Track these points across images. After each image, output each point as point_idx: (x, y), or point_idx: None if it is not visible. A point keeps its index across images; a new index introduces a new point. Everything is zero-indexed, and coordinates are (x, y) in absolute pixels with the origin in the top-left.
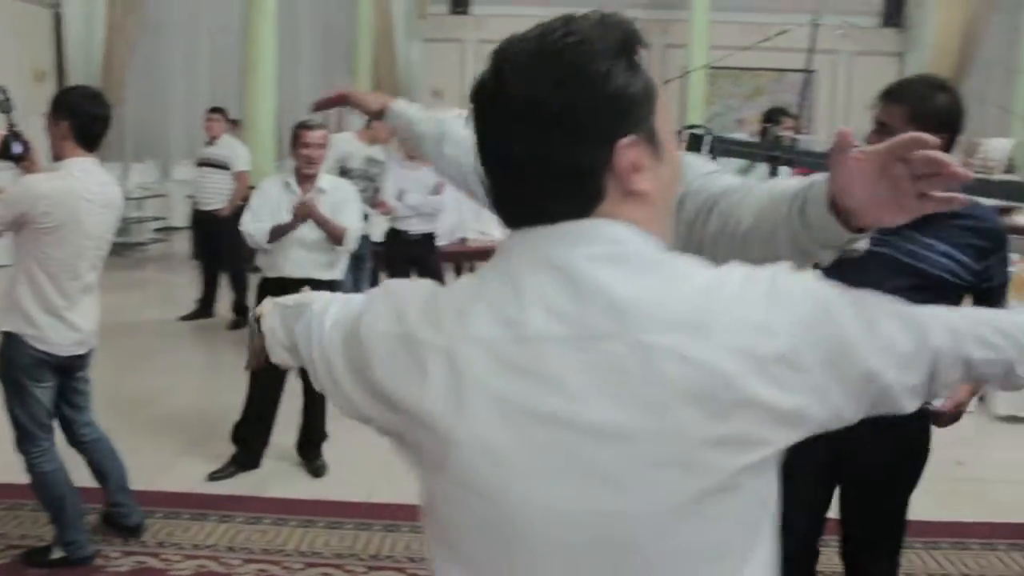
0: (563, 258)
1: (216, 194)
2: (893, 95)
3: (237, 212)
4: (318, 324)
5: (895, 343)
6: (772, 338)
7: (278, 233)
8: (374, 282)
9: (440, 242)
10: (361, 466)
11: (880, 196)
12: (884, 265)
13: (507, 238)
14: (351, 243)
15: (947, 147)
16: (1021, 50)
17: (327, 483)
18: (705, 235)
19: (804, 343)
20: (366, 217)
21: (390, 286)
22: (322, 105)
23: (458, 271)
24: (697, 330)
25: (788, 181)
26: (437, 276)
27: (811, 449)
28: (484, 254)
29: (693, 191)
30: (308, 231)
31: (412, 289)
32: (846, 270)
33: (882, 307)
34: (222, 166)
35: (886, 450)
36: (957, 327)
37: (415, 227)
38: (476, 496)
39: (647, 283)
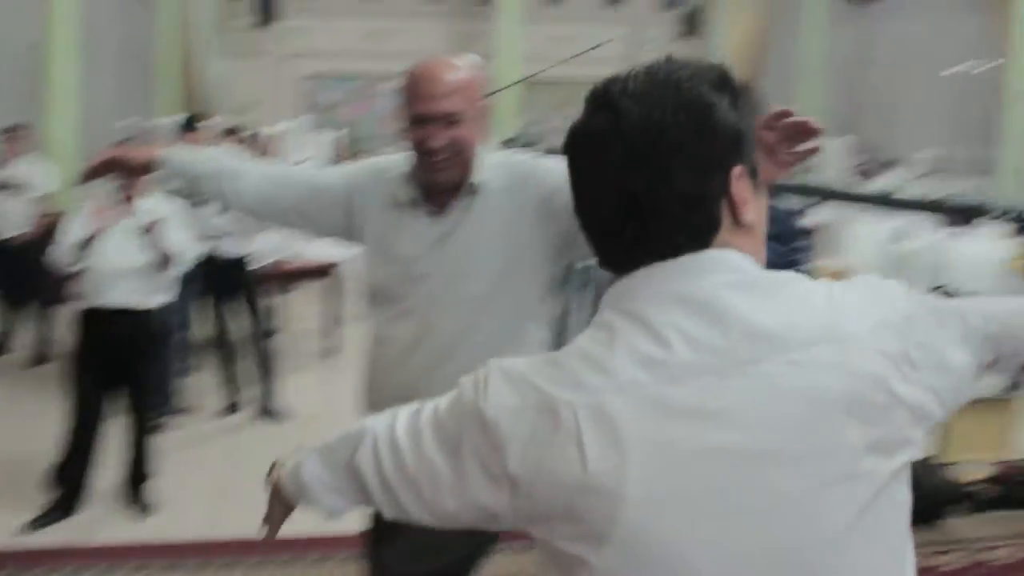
0: (696, 290)
1: (15, 220)
2: None
3: (40, 239)
4: (389, 441)
5: (958, 331)
6: (893, 338)
7: (83, 245)
8: (187, 309)
9: (261, 263)
10: (193, 502)
11: (762, 159)
12: None
13: (622, 282)
14: (181, 266)
15: None
16: (798, 55)
17: (158, 523)
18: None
19: (912, 342)
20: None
21: (493, 364)
22: (89, 175)
23: (277, 292)
24: (835, 341)
25: None
26: (255, 301)
27: None
28: (307, 274)
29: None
30: (128, 255)
31: (520, 360)
32: None
33: (932, 299)
34: (21, 189)
35: None
36: (985, 311)
37: (229, 249)
38: (647, 558)
39: (777, 305)
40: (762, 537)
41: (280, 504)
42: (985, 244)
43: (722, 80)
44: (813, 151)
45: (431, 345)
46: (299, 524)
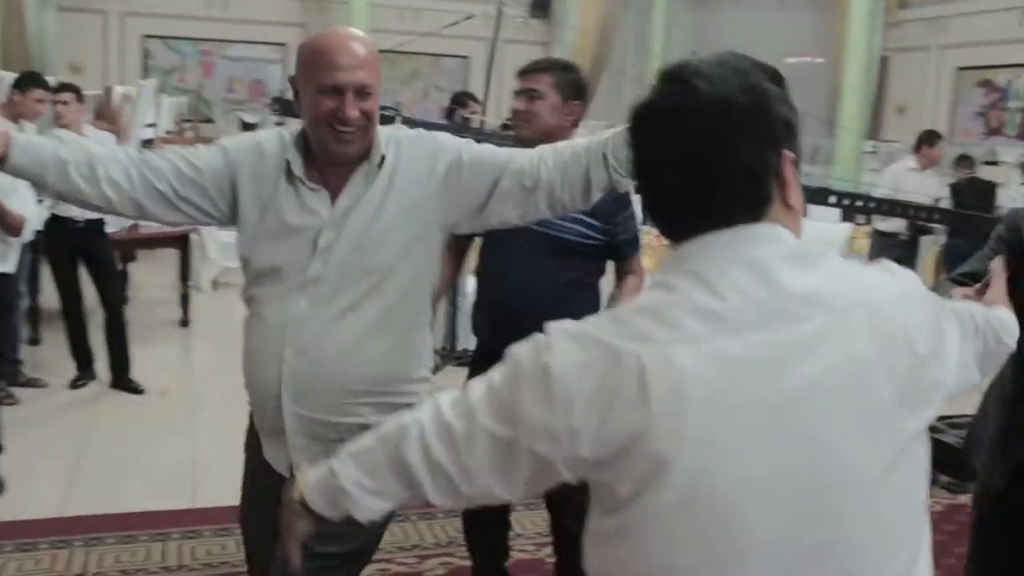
0: (753, 256)
1: None
2: (540, 67)
3: None
4: (437, 428)
5: (956, 319)
6: (914, 309)
7: None
8: (33, 276)
9: (109, 229)
10: (45, 478)
11: None
12: (529, 240)
13: (682, 248)
14: (28, 233)
15: (582, 113)
16: (650, 46)
17: (9, 502)
18: (497, 193)
19: (925, 315)
20: (40, 202)
21: (553, 328)
22: None
23: (125, 260)
24: (869, 307)
25: (579, 141)
26: (109, 267)
27: None
28: (158, 241)
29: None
30: None
31: (578, 321)
32: (501, 246)
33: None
34: None
35: None
36: (968, 308)
37: (80, 212)
38: (696, 494)
39: (819, 274)
40: (799, 480)
41: (305, 520)
42: (824, 225)
43: (775, 77)
44: None
45: (325, 316)
46: (166, 499)
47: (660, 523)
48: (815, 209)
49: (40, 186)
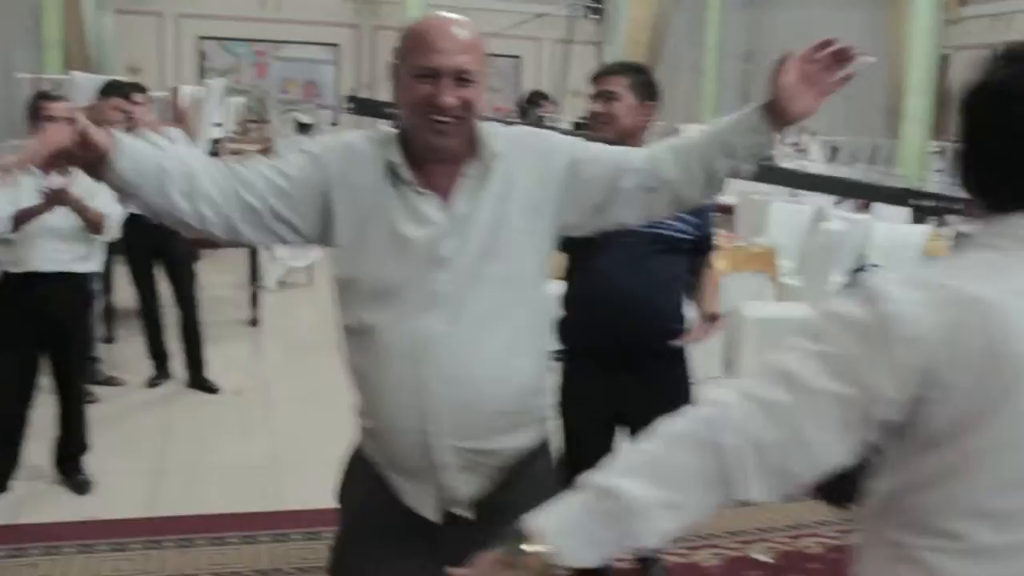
0: None
1: None
2: (615, 70)
3: None
4: (755, 409)
5: None
6: None
7: (24, 219)
8: (106, 274)
9: None
10: (129, 477)
11: (805, 90)
12: (637, 240)
13: (1006, 218)
14: (112, 231)
15: (652, 112)
16: (704, 47)
17: (96, 500)
18: (617, 194)
19: None
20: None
21: (875, 280)
22: (46, 165)
23: (194, 259)
24: None
25: (690, 136)
26: (184, 266)
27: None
28: (231, 240)
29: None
30: (60, 219)
31: (908, 272)
32: (607, 248)
33: None
34: None
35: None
36: None
37: None
38: (1017, 445)
39: None
40: None
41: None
42: (902, 227)
43: None
44: (850, 76)
45: (464, 334)
46: (249, 501)
47: (980, 462)
48: (886, 210)
49: (133, 199)
